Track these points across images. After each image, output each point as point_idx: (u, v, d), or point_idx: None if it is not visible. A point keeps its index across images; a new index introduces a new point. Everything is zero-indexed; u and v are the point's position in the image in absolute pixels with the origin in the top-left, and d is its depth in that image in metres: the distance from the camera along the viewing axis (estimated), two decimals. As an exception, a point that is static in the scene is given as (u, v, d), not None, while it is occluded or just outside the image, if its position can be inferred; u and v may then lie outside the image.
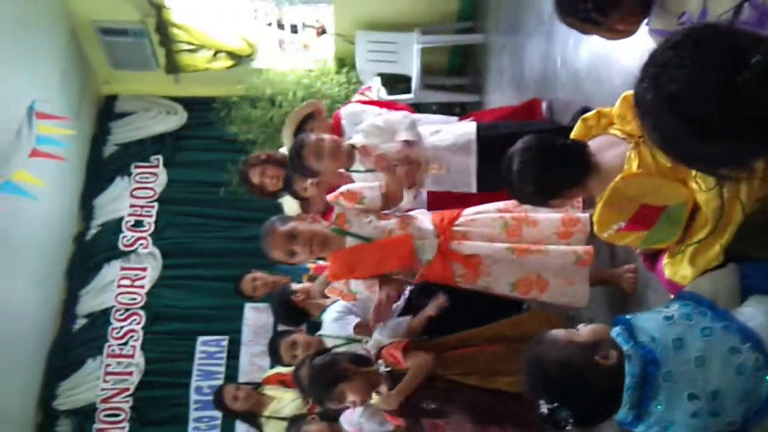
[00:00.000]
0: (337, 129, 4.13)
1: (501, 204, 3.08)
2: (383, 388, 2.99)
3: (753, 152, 1.22)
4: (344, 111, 4.21)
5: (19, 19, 5.54)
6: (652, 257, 2.07)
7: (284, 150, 4.31)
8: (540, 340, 1.66)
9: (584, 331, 1.63)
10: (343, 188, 3.14)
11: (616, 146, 2.01)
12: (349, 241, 3.05)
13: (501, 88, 5.25)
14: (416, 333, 3.17)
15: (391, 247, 2.99)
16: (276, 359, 4.05)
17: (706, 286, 1.68)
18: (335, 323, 3.56)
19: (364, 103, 4.46)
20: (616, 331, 1.59)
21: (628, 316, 1.62)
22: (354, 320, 3.52)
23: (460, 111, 5.76)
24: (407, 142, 3.33)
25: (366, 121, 3.58)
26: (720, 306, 1.57)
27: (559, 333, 1.66)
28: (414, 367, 2.98)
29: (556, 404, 1.56)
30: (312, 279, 4.33)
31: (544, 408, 1.58)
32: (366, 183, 3.21)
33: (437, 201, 3.80)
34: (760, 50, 1.13)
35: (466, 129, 3.47)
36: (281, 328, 4.73)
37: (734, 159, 1.22)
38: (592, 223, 2.08)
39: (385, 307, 3.15)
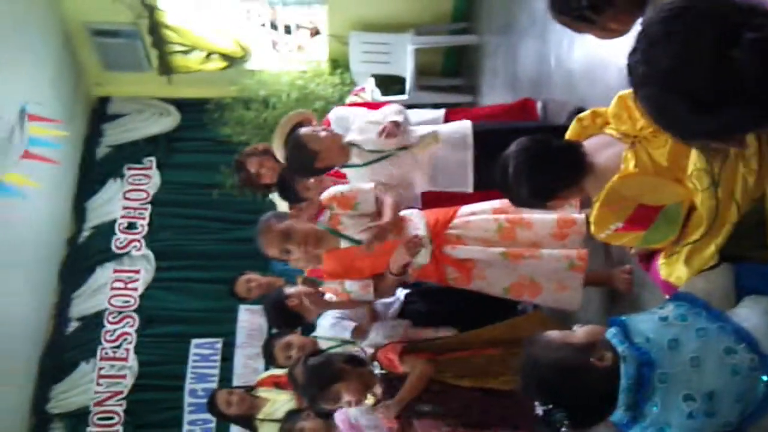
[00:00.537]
0: None
1: (497, 203, 3.07)
2: (377, 389, 2.99)
3: (743, 126, 1.22)
4: (332, 115, 4.21)
5: (10, 20, 5.52)
6: (648, 257, 2.06)
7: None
8: (535, 342, 1.65)
9: (579, 332, 1.62)
10: (336, 191, 3.13)
11: (612, 146, 2.00)
12: (344, 243, 3.04)
13: (495, 89, 5.25)
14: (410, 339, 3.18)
15: (385, 253, 2.99)
16: (270, 361, 4.03)
17: (701, 286, 1.67)
18: (331, 327, 3.55)
19: (354, 105, 4.48)
20: (611, 332, 1.58)
21: (623, 317, 1.61)
22: (351, 325, 3.51)
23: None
24: (395, 123, 3.34)
25: (360, 119, 3.57)
26: (715, 306, 1.56)
27: (554, 334, 1.65)
28: (414, 377, 2.98)
29: (551, 406, 1.55)
30: (306, 281, 4.31)
31: (539, 409, 1.57)
32: (360, 185, 3.20)
33: (432, 201, 3.79)
34: (752, 25, 1.13)
35: (461, 125, 3.47)
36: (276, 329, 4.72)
37: (725, 132, 1.22)
38: (588, 224, 2.07)
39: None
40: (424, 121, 3.82)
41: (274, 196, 4.41)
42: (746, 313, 1.54)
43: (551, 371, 1.57)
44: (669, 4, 1.22)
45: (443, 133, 3.43)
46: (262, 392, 4.51)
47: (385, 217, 2.97)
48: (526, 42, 4.40)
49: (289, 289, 3.65)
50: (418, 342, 3.15)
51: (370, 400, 3.04)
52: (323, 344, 3.58)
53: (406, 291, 3.53)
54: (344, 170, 3.56)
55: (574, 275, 2.97)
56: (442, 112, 3.96)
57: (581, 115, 2.18)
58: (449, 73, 6.87)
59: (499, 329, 3.13)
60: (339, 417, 3.35)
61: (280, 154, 3.93)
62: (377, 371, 3.07)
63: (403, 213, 3.15)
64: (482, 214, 3.05)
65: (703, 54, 1.15)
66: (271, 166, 4.11)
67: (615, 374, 1.51)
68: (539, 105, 4.00)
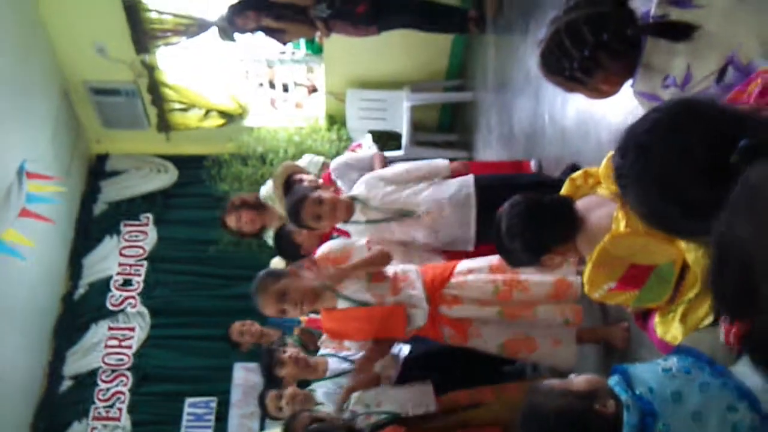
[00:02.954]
0: (329, 184, 4.16)
1: (494, 259, 3.05)
2: None
3: None
4: (333, 164, 4.26)
5: (11, 78, 5.60)
6: (644, 316, 2.06)
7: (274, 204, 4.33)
8: (536, 391, 1.64)
9: (579, 380, 1.61)
10: (329, 250, 3.13)
11: (604, 206, 2.02)
12: (341, 303, 3.03)
13: (490, 145, 5.30)
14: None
15: (383, 318, 2.99)
16: (263, 410, 4.01)
17: (705, 340, 1.66)
18: (324, 396, 3.50)
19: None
20: (613, 380, 1.57)
21: (625, 366, 1.60)
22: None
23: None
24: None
25: (369, 174, 3.57)
26: (718, 363, 1.55)
27: (554, 382, 1.64)
28: None
29: None
30: (303, 332, 4.30)
31: None
32: (352, 242, 3.20)
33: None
34: (745, 131, 1.14)
35: (465, 182, 3.44)
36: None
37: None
38: (583, 285, 2.07)
39: (366, 365, 3.15)
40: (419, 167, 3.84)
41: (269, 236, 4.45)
42: (746, 372, 1.53)
43: (556, 418, 1.55)
44: (657, 112, 1.25)
45: (447, 192, 3.41)
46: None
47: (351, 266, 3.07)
48: (520, 99, 4.46)
49: (282, 352, 3.59)
50: (419, 422, 3.11)
51: None
52: (321, 408, 3.53)
53: (407, 353, 3.49)
54: (346, 227, 3.55)
55: (569, 330, 2.97)
56: (446, 162, 3.98)
57: (574, 175, 2.21)
58: (445, 129, 6.95)
59: (501, 410, 3.10)
60: None
61: (280, 207, 3.97)
62: None
63: (401, 269, 3.14)
64: (479, 273, 3.04)
65: (697, 163, 1.17)
66: (249, 218, 4.25)
67: (617, 422, 1.49)
68: (533, 163, 4.03)
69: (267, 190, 4.42)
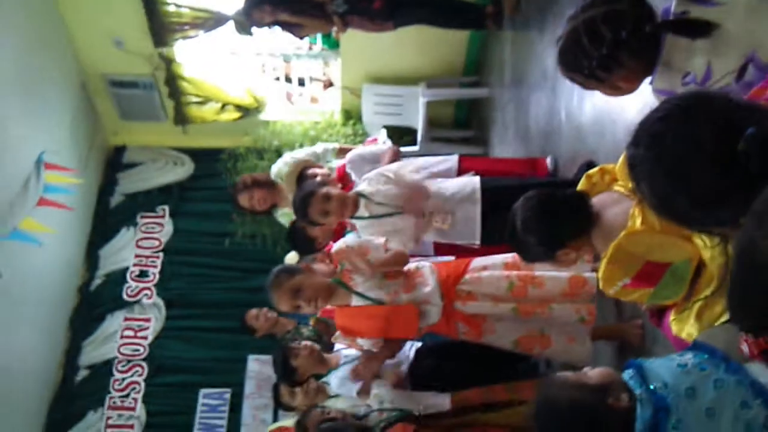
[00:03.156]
0: (343, 179, 4.19)
1: (509, 257, 3.07)
2: None
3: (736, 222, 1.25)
4: (348, 157, 4.27)
5: (30, 71, 5.65)
6: (659, 313, 2.06)
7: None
8: (550, 382, 1.65)
9: (593, 373, 1.61)
10: (347, 246, 3.15)
11: (620, 203, 2.02)
12: (355, 299, 3.05)
13: (506, 142, 5.29)
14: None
15: (396, 316, 3.00)
16: (276, 402, 4.04)
17: (722, 337, 1.66)
18: (339, 385, 3.52)
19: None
20: (628, 374, 1.57)
21: (639, 360, 1.60)
22: (357, 384, 3.49)
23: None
24: (418, 186, 3.39)
25: (374, 171, 3.60)
26: (733, 359, 1.55)
27: (568, 375, 1.64)
28: None
29: None
30: (319, 322, 4.32)
31: None
32: (371, 240, 3.22)
33: (444, 246, 3.80)
34: (752, 121, 1.15)
35: (470, 180, 3.49)
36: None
37: (731, 222, 1.24)
38: (598, 281, 2.07)
39: (372, 364, 3.19)
40: (438, 172, 3.84)
41: (282, 213, 4.49)
42: (761, 369, 1.53)
43: (569, 411, 1.55)
44: (670, 103, 1.26)
45: (452, 189, 3.43)
46: (269, 448, 4.47)
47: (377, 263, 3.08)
48: (537, 96, 4.45)
49: (295, 345, 3.61)
50: (429, 420, 3.12)
51: None
52: (334, 402, 3.55)
53: (417, 347, 3.50)
54: (352, 221, 3.58)
55: (583, 328, 2.97)
56: (455, 158, 4.00)
57: (590, 171, 2.22)
58: (460, 125, 6.95)
59: (513, 414, 3.10)
60: None
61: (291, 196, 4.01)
62: None
63: (415, 266, 3.15)
64: (494, 270, 3.05)
65: (707, 153, 1.19)
66: (261, 196, 4.33)
67: (631, 416, 1.49)
68: (549, 160, 4.02)
69: (277, 169, 4.45)
